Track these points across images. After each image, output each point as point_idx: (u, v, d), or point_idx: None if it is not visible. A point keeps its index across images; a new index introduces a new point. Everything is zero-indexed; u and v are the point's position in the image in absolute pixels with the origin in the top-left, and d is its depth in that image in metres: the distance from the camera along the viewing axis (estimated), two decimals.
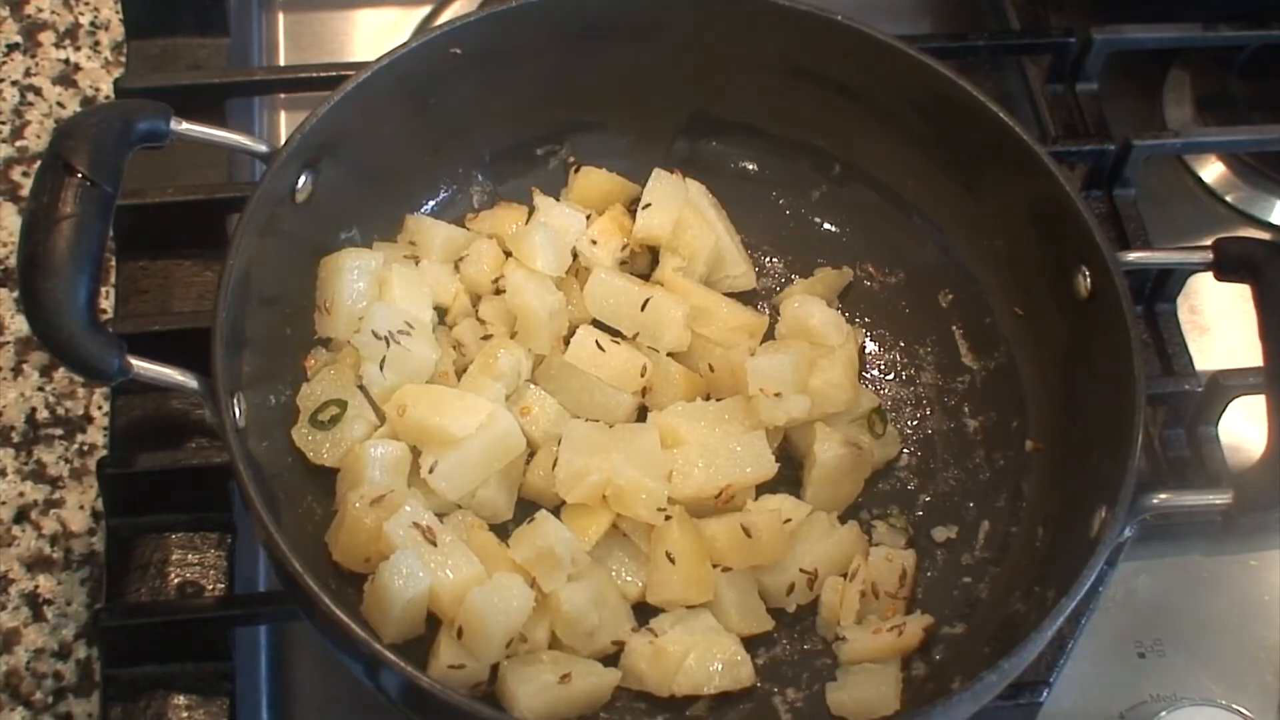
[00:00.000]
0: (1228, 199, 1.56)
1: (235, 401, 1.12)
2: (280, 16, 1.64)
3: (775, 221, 1.43)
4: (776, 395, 1.24)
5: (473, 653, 1.13)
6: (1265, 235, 1.53)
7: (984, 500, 1.29)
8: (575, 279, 1.33)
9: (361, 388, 1.25)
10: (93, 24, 1.54)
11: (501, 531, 1.22)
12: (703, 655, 1.18)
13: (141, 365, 1.08)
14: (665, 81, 1.37)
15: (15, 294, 1.37)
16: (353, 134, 1.26)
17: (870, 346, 1.38)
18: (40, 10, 1.54)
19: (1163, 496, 1.13)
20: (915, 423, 1.34)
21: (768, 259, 1.41)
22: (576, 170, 1.40)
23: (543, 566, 1.16)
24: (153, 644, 1.20)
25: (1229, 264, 1.21)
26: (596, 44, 1.34)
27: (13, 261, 1.37)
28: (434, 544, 1.15)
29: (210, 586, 1.24)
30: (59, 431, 1.32)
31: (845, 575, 1.23)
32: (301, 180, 1.23)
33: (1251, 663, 1.29)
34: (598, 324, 1.31)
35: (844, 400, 1.28)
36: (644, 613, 1.21)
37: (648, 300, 1.29)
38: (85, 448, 1.31)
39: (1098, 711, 1.26)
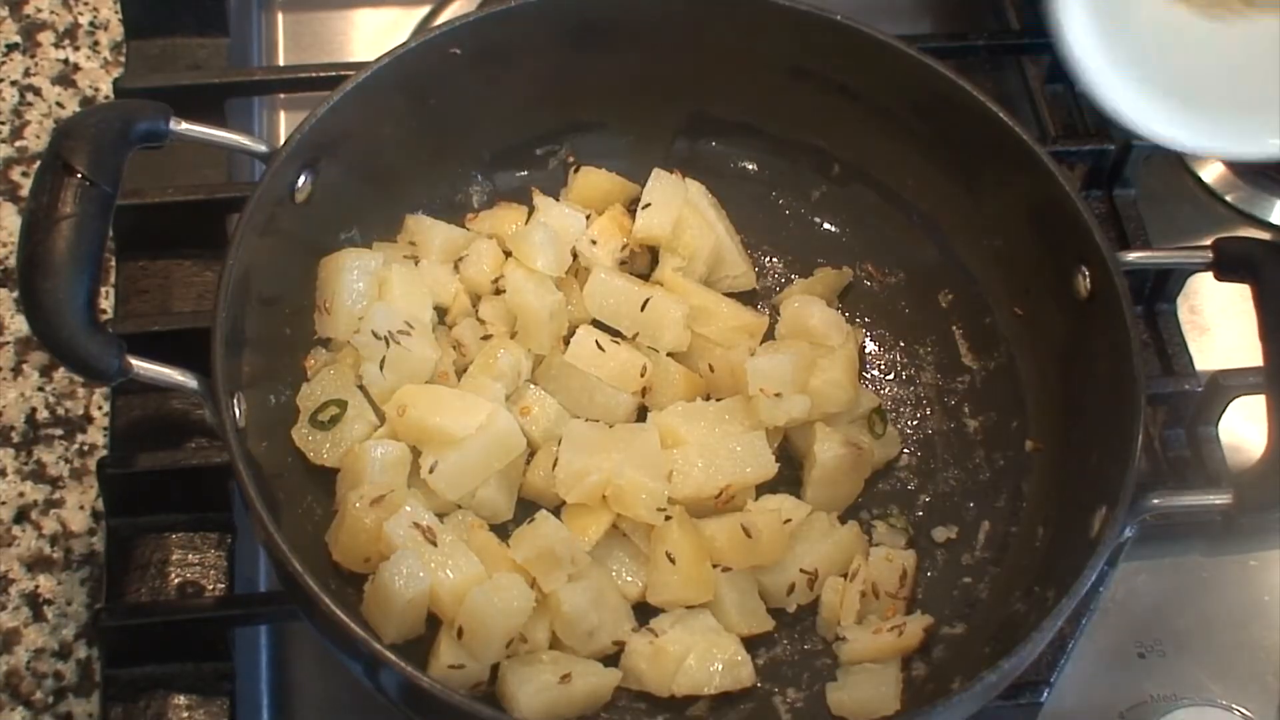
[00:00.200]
0: (1228, 199, 1.56)
1: (235, 401, 1.12)
2: (280, 16, 1.64)
3: (775, 221, 1.43)
4: (776, 395, 1.24)
5: (473, 653, 1.13)
6: (1265, 235, 1.53)
7: (984, 500, 1.29)
8: (575, 279, 1.33)
9: (361, 388, 1.25)
10: (92, 24, 1.54)
11: (501, 531, 1.22)
12: (703, 655, 1.18)
13: (141, 365, 1.08)
14: (665, 81, 1.37)
15: (15, 294, 1.37)
16: (353, 134, 1.26)
17: (870, 346, 1.38)
18: (40, 10, 1.54)
19: (1163, 496, 1.13)
20: (915, 423, 1.34)
21: (768, 259, 1.41)
22: (576, 170, 1.40)
23: (543, 566, 1.16)
24: (153, 644, 1.20)
25: (1229, 264, 1.21)
26: (596, 43, 1.34)
27: (13, 261, 1.37)
28: (434, 544, 1.15)
29: (210, 586, 1.24)
30: (59, 431, 1.32)
31: (845, 575, 1.23)
32: (301, 180, 1.23)
33: (1251, 663, 1.29)
34: (598, 324, 1.31)
35: (844, 400, 1.28)
36: (644, 613, 1.21)
37: (647, 300, 1.29)
38: (85, 448, 1.31)
39: (1098, 711, 1.26)
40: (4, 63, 1.51)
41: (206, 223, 1.38)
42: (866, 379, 1.36)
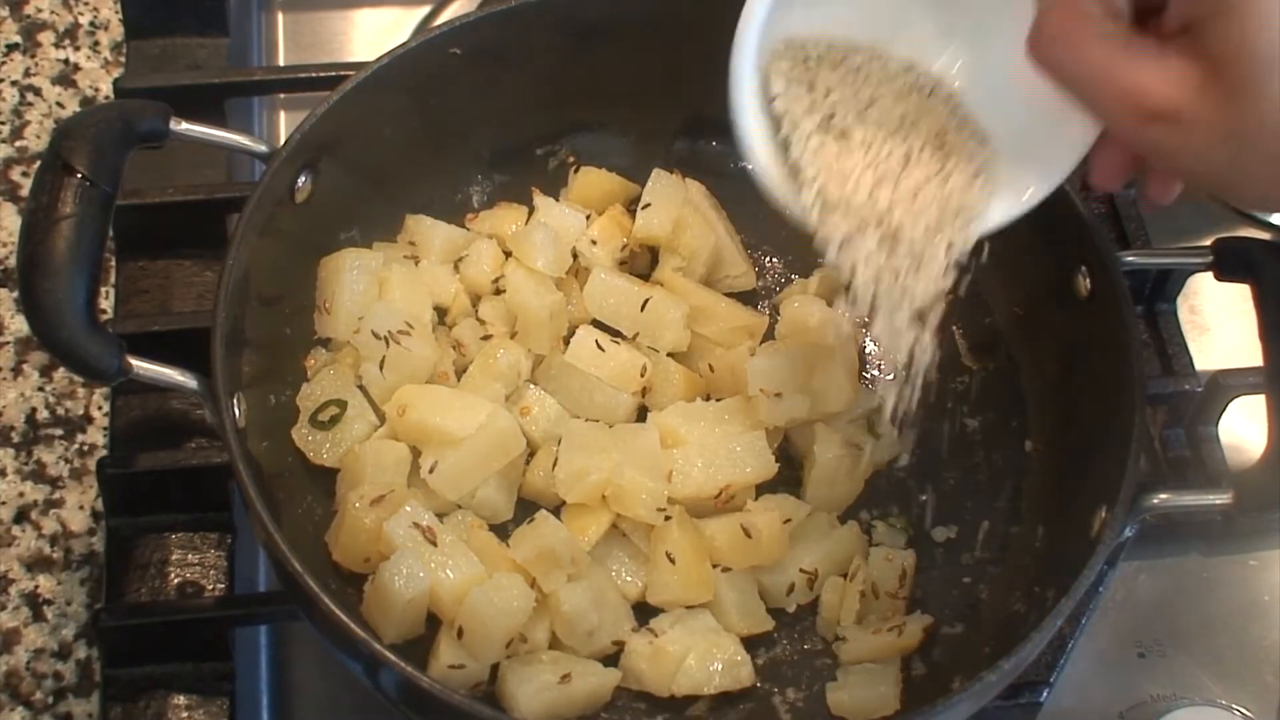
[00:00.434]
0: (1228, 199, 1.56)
1: (235, 401, 1.12)
2: (280, 16, 1.64)
3: (775, 221, 1.41)
4: (776, 395, 1.24)
5: (473, 653, 1.13)
6: (1265, 235, 1.53)
7: (984, 500, 1.29)
8: (575, 279, 1.33)
9: (361, 388, 1.25)
10: (92, 24, 1.54)
11: (501, 531, 1.22)
12: (703, 655, 1.18)
13: (141, 365, 1.08)
14: (665, 81, 1.37)
15: (15, 294, 1.37)
16: (353, 134, 1.26)
17: (870, 347, 1.37)
18: (40, 10, 1.54)
19: (1163, 496, 1.13)
20: (915, 423, 1.34)
21: (768, 259, 1.41)
22: (576, 170, 1.40)
23: (543, 566, 1.16)
24: (153, 644, 1.20)
25: (1229, 264, 1.21)
26: (596, 44, 1.34)
27: (13, 261, 1.37)
28: (434, 544, 1.15)
29: (210, 586, 1.24)
30: (59, 431, 1.32)
31: (845, 575, 1.23)
32: (301, 180, 1.23)
33: (1251, 663, 1.29)
34: (598, 324, 1.31)
35: (844, 400, 1.28)
36: (644, 613, 1.21)
37: (647, 300, 1.29)
38: (85, 448, 1.31)
39: (1098, 711, 1.26)
40: (4, 63, 1.51)
41: (206, 223, 1.38)
42: (866, 379, 1.36)
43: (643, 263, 1.37)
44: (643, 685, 1.18)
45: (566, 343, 1.29)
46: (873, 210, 1.01)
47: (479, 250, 1.33)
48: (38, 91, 1.50)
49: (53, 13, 1.54)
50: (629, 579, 1.22)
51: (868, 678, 1.19)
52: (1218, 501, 1.14)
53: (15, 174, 1.44)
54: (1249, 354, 1.20)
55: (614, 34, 1.33)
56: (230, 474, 1.10)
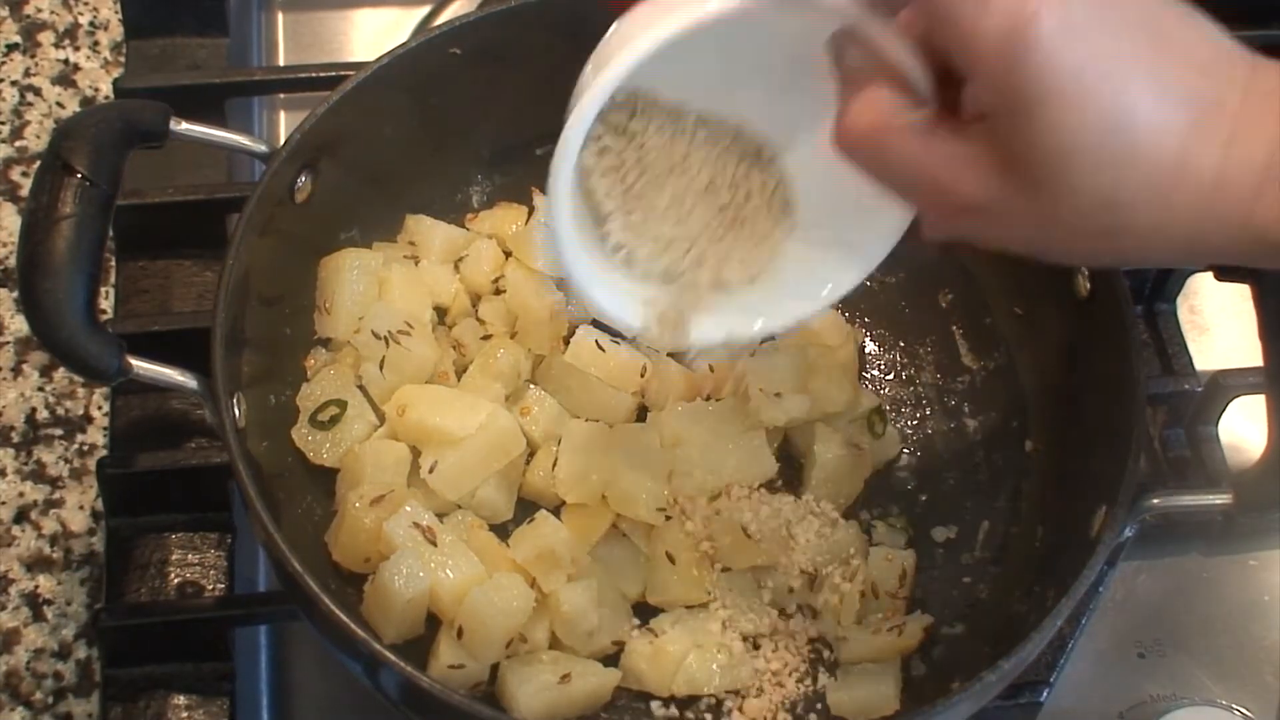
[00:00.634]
0: None
1: (235, 401, 1.12)
2: (280, 16, 1.64)
3: None
4: (776, 395, 1.24)
5: (473, 653, 1.13)
6: None
7: (984, 500, 1.29)
8: None
9: (361, 388, 1.25)
10: (92, 24, 1.54)
11: (501, 531, 1.22)
12: (703, 655, 1.18)
13: (141, 365, 1.08)
14: None
15: (15, 294, 1.37)
16: (353, 134, 1.26)
17: (870, 346, 1.38)
18: (40, 10, 1.54)
19: (1163, 496, 1.13)
20: (915, 423, 1.34)
21: None
22: None
23: (543, 566, 1.16)
24: (153, 644, 1.20)
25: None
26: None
27: (12, 261, 1.37)
28: (434, 544, 1.15)
29: (210, 586, 1.24)
30: (59, 431, 1.32)
31: (845, 575, 1.23)
32: (301, 180, 1.23)
33: (1251, 663, 1.29)
34: (598, 324, 1.31)
35: (844, 400, 1.28)
36: (644, 613, 1.21)
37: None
38: (85, 448, 1.31)
39: (1098, 711, 1.26)
40: (4, 63, 1.51)
41: (206, 223, 1.38)
42: (866, 379, 1.36)
43: None
44: (643, 685, 1.18)
45: (566, 343, 1.29)
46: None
47: (479, 250, 1.33)
48: (38, 91, 1.50)
49: (53, 13, 1.54)
50: (629, 579, 1.22)
51: (868, 678, 1.19)
52: (1218, 501, 1.14)
53: (15, 174, 1.44)
54: (1249, 354, 1.20)
55: None
56: (230, 474, 1.10)
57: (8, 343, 1.36)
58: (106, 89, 1.49)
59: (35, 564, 1.26)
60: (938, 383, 1.36)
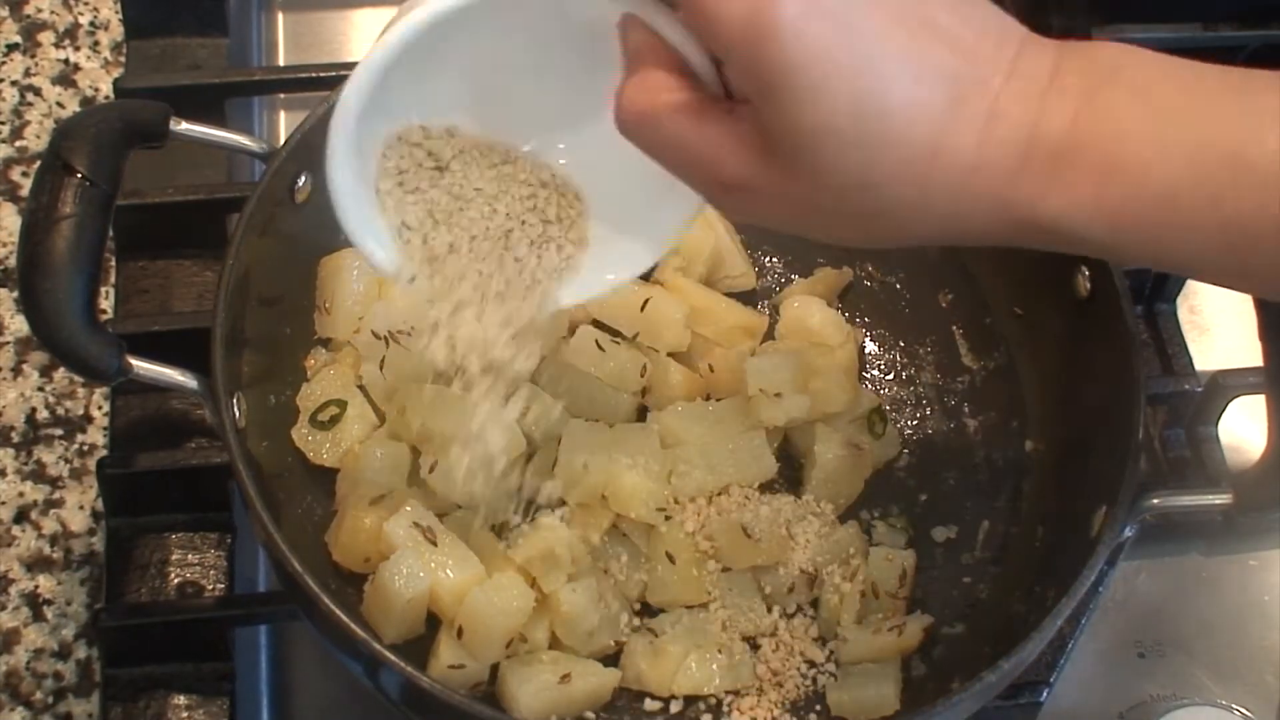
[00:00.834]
0: None
1: (235, 401, 1.12)
2: (280, 16, 1.63)
3: None
4: (776, 395, 1.24)
5: (473, 653, 1.13)
6: None
7: (984, 500, 1.29)
8: None
9: (361, 388, 1.25)
10: (92, 24, 1.54)
11: (501, 532, 1.22)
12: (703, 655, 1.18)
13: (141, 365, 1.08)
14: None
15: (15, 294, 1.37)
16: None
17: (870, 346, 1.37)
18: (40, 10, 1.54)
19: (1163, 496, 1.13)
20: (915, 423, 1.34)
21: (768, 259, 1.41)
22: None
23: (543, 566, 1.16)
24: (153, 644, 1.20)
25: None
26: None
27: (13, 261, 1.37)
28: (434, 544, 1.15)
29: (210, 586, 1.24)
30: (59, 431, 1.32)
31: (845, 575, 1.23)
32: (301, 180, 1.23)
33: (1251, 663, 1.29)
34: (598, 324, 1.30)
35: (844, 400, 1.28)
36: (644, 613, 1.21)
37: (648, 300, 1.29)
38: (85, 448, 1.31)
39: (1098, 711, 1.26)
40: (4, 63, 1.51)
41: (206, 223, 1.38)
42: (866, 379, 1.36)
43: None
44: (643, 685, 1.18)
45: (567, 343, 1.29)
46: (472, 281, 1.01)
47: None
48: (38, 91, 1.50)
49: (53, 13, 1.54)
50: (629, 579, 1.22)
51: (868, 678, 1.18)
52: (1218, 501, 1.14)
53: (15, 174, 1.44)
54: (1249, 354, 1.20)
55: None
56: (230, 474, 1.10)
57: (8, 343, 1.36)
58: (106, 89, 1.49)
59: (35, 564, 1.26)
60: (938, 383, 1.36)
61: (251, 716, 1.24)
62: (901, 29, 0.80)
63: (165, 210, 1.37)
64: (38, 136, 1.46)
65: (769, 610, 1.23)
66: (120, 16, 1.54)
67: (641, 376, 1.28)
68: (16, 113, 1.48)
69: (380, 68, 0.90)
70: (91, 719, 1.20)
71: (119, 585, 1.23)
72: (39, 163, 1.10)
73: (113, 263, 1.38)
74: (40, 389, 1.34)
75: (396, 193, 1.00)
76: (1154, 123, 0.81)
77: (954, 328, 1.37)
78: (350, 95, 0.92)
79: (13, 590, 1.24)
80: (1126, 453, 1.11)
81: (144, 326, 1.32)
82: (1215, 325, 1.48)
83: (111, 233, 1.19)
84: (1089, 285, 1.22)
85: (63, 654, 1.22)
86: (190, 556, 1.25)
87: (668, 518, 1.21)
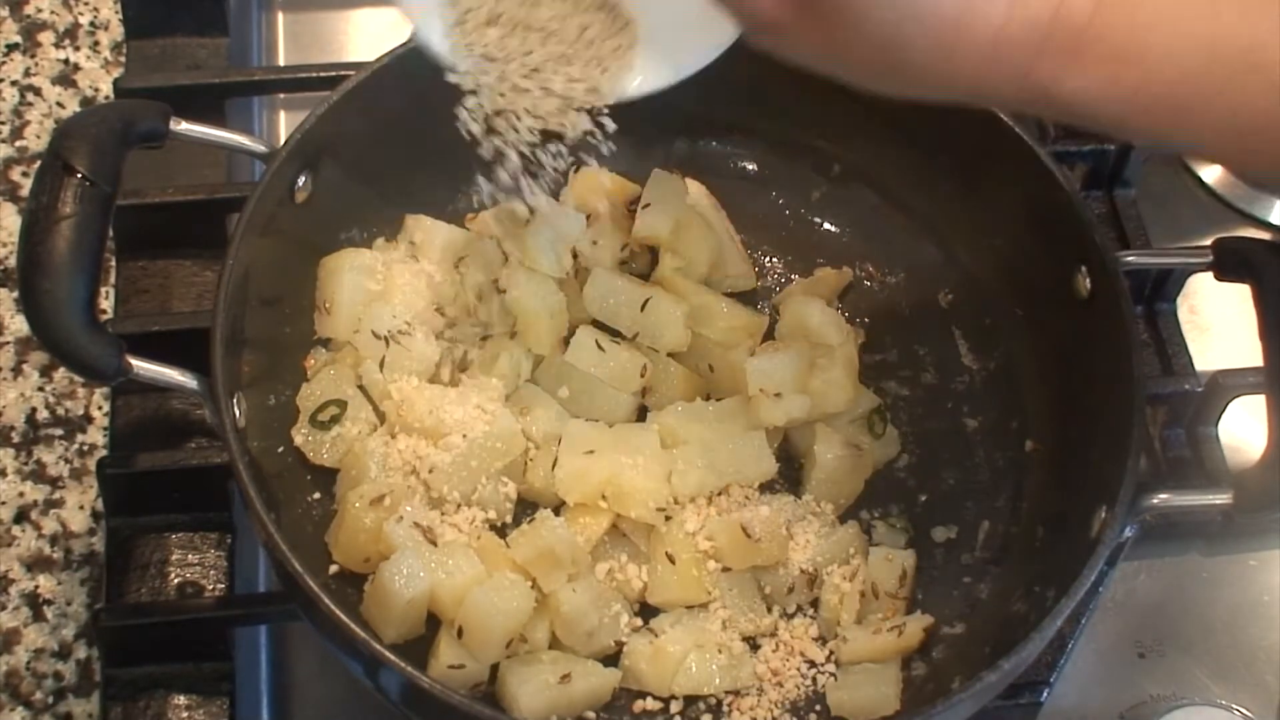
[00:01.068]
0: (1227, 199, 1.56)
1: (235, 401, 1.12)
2: (280, 16, 1.64)
3: (775, 221, 1.43)
4: (776, 395, 1.24)
5: (473, 653, 1.13)
6: (1265, 235, 1.53)
7: (984, 500, 1.29)
8: (575, 279, 1.33)
9: (361, 388, 1.25)
10: (92, 24, 1.54)
11: (501, 531, 1.22)
12: (703, 655, 1.18)
13: (141, 365, 1.08)
14: None
15: (15, 294, 1.37)
16: (353, 134, 1.26)
17: (870, 346, 1.37)
18: (40, 10, 1.54)
19: (1163, 496, 1.13)
20: (915, 423, 1.34)
21: (768, 259, 1.41)
22: (576, 170, 1.39)
23: (543, 566, 1.16)
24: (153, 644, 1.20)
25: (1229, 264, 1.21)
26: None
27: (13, 261, 1.37)
28: (434, 544, 1.15)
29: (210, 586, 1.24)
30: (59, 431, 1.32)
31: (845, 575, 1.23)
32: (301, 180, 1.23)
33: (1251, 663, 1.29)
34: (598, 324, 1.31)
35: (844, 400, 1.28)
36: (644, 613, 1.21)
37: (648, 300, 1.29)
38: (85, 448, 1.31)
39: (1098, 711, 1.26)
40: (4, 63, 1.51)
41: (206, 223, 1.38)
42: (866, 379, 1.36)
43: (643, 263, 1.37)
44: (643, 685, 1.18)
45: (566, 343, 1.29)
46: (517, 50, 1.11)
47: (479, 250, 1.33)
48: (38, 91, 1.50)
49: (53, 13, 1.54)
50: (629, 579, 1.22)
51: (868, 678, 1.19)
52: (1218, 501, 1.14)
53: (15, 174, 1.44)
54: (1249, 354, 1.20)
55: None
56: (230, 474, 1.10)
57: (8, 343, 1.36)
58: (106, 89, 1.49)
59: (35, 564, 1.26)
60: (938, 383, 1.36)
61: (251, 716, 1.24)
62: None
63: (165, 210, 1.38)
64: (38, 136, 1.47)
65: (769, 610, 1.23)
66: (120, 16, 1.54)
67: (641, 376, 1.28)
68: (16, 113, 1.48)
69: None
70: (91, 719, 1.20)
71: (119, 585, 1.23)
72: (39, 163, 1.10)
73: (113, 263, 1.38)
74: (40, 389, 1.34)
75: None
76: (1173, 15, 0.87)
77: (954, 328, 1.37)
78: None
79: (13, 590, 1.24)
80: (1126, 453, 1.11)
81: (144, 326, 1.32)
82: (1215, 325, 1.48)
83: (111, 233, 1.19)
84: (1089, 285, 1.22)
85: (63, 654, 1.22)
86: (190, 556, 1.25)
87: (668, 518, 1.21)
